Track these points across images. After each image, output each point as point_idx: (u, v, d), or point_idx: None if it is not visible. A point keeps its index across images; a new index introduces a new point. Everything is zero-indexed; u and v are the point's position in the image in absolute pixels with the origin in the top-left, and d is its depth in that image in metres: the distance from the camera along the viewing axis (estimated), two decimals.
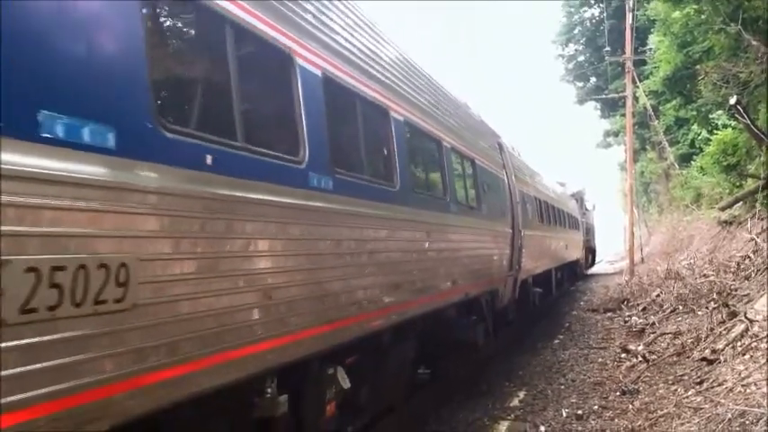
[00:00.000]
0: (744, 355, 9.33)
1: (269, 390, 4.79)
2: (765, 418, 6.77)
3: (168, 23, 4.06)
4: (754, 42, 17.18)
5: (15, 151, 2.60)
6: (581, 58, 49.80)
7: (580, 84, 51.28)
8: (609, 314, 18.79)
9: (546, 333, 16.61)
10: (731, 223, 20.03)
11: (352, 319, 5.94)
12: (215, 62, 4.44)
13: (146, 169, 3.34)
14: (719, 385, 8.59)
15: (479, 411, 9.60)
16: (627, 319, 16.81)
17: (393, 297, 6.97)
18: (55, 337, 2.79)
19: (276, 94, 5.22)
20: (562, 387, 10.79)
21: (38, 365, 2.69)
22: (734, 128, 21.37)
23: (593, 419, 8.86)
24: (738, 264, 15.08)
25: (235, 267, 4.14)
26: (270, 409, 4.83)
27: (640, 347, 12.51)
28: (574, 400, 9.87)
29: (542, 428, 8.66)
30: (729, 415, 7.21)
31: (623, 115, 34.38)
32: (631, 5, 29.15)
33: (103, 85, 3.16)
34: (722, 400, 7.86)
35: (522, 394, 10.52)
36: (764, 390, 7.64)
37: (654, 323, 14.61)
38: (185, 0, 3.95)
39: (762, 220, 16.81)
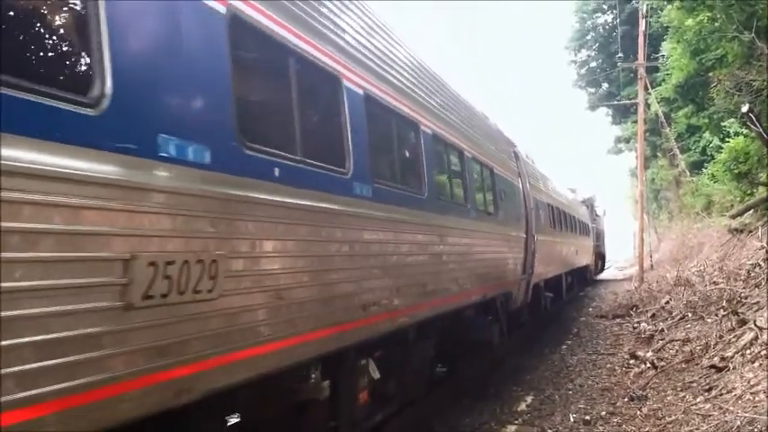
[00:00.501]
0: (753, 362, 9.30)
1: (313, 376, 5.45)
2: None
3: (246, 59, 4.67)
4: (767, 50, 17.14)
5: (141, 168, 3.31)
6: (593, 64, 49.79)
7: (592, 90, 51.26)
8: (618, 320, 18.79)
9: (554, 338, 16.62)
10: (742, 231, 19.95)
11: (386, 314, 6.59)
12: (280, 87, 5.13)
13: (231, 181, 4.05)
14: (728, 392, 8.57)
15: (487, 415, 9.62)
16: (636, 325, 16.80)
17: (421, 296, 7.61)
18: (165, 320, 3.46)
19: (327, 113, 5.95)
20: (570, 392, 10.79)
21: (148, 344, 3.34)
22: (746, 136, 21.30)
23: (601, 425, 8.86)
24: (748, 272, 15.01)
25: (291, 266, 4.82)
26: (314, 392, 5.48)
27: (649, 354, 12.50)
28: (582, 406, 9.87)
29: None
30: (738, 422, 7.19)
31: (635, 122, 34.38)
32: (645, 12, 29.12)
33: (202, 113, 3.93)
34: (731, 408, 7.83)
35: (529, 399, 10.53)
36: None
37: (663, 330, 14.57)
38: (259, 39, 4.68)
39: None
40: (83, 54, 3.19)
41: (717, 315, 12.86)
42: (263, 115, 5.09)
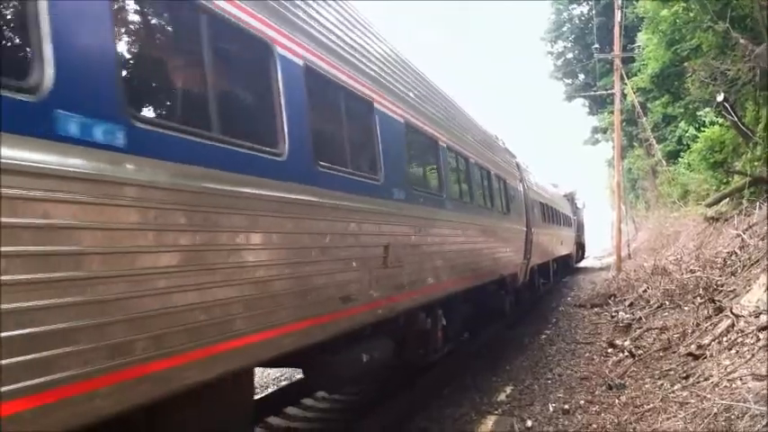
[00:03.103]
0: (730, 350, 9.36)
1: (420, 315, 9.05)
2: (750, 413, 6.79)
3: (411, 141, 8.67)
4: (741, 40, 17.28)
5: (391, 206, 7.39)
6: (570, 56, 50.02)
7: (569, 81, 51.52)
8: (596, 309, 18.84)
9: (533, 328, 16.65)
10: (718, 219, 20.09)
11: (452, 282, 10.17)
12: (416, 151, 9.36)
13: (410, 207, 8.02)
14: (705, 380, 8.60)
15: (466, 406, 9.60)
16: (614, 314, 16.86)
17: (467, 273, 11.16)
18: (393, 275, 7.30)
19: (434, 160, 9.85)
20: (549, 382, 10.81)
21: (388, 287, 7.18)
22: (721, 125, 21.53)
23: (580, 414, 8.87)
24: (725, 260, 15.13)
25: (425, 251, 8.69)
26: (423, 325, 9.19)
27: (627, 342, 12.54)
28: (560, 395, 9.88)
29: (529, 423, 8.66)
30: (715, 409, 7.22)
31: (611, 112, 34.52)
32: (620, 3, 29.13)
33: (401, 174, 7.92)
34: (708, 395, 7.86)
35: (509, 389, 10.53)
36: (750, 385, 7.66)
37: (640, 318, 14.64)
38: (413, 130, 8.73)
39: (748, 216, 16.88)
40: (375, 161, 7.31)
41: (694, 303, 12.95)
42: (414, 168, 9.19)
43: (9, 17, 3.14)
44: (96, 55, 3.37)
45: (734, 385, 7.93)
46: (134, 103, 3.66)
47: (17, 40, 3.19)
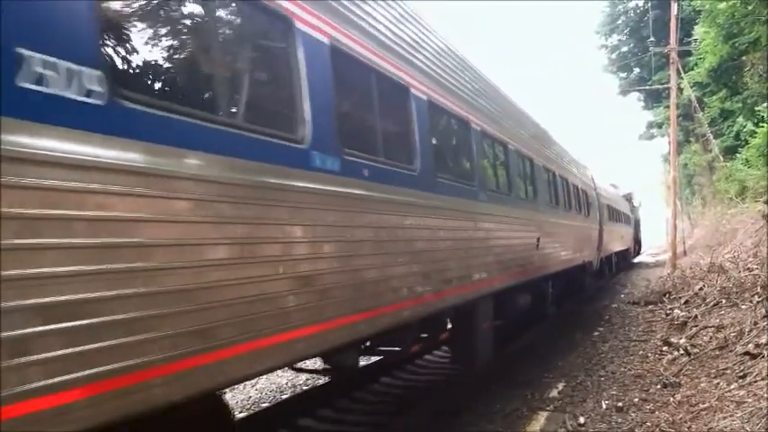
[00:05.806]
0: None
1: (543, 282, 14.08)
2: None
3: (543, 173, 13.83)
4: None
5: (541, 215, 13.23)
6: (624, 49, 49.23)
7: (623, 74, 50.71)
8: (650, 307, 18.57)
9: (586, 325, 16.54)
10: None
11: (559, 263, 14.75)
12: (547, 179, 14.32)
13: (546, 214, 13.45)
14: (763, 379, 8.51)
15: (517, 402, 9.61)
16: (668, 311, 16.61)
17: (568, 258, 15.90)
18: (539, 255, 12.76)
19: (553, 182, 14.68)
20: (602, 379, 10.76)
21: (539, 261, 12.88)
22: None
23: (634, 412, 8.83)
24: None
25: (549, 243, 13.47)
26: (544, 289, 14.31)
27: (682, 340, 12.39)
28: (614, 393, 9.84)
29: (582, 420, 8.65)
30: None
31: (667, 107, 33.94)
32: None
33: (543, 194, 13.73)
34: (765, 395, 7.80)
35: (560, 386, 10.51)
36: None
37: (696, 316, 14.43)
38: (542, 168, 13.87)
39: None
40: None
41: (751, 302, 12.74)
42: (545, 188, 13.73)
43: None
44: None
45: None
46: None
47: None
